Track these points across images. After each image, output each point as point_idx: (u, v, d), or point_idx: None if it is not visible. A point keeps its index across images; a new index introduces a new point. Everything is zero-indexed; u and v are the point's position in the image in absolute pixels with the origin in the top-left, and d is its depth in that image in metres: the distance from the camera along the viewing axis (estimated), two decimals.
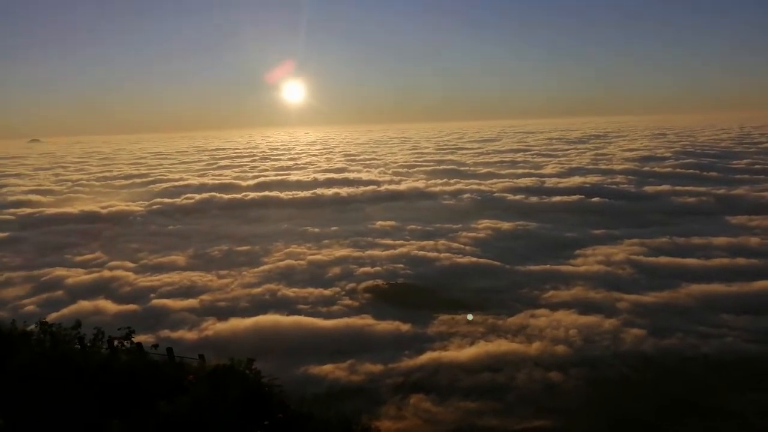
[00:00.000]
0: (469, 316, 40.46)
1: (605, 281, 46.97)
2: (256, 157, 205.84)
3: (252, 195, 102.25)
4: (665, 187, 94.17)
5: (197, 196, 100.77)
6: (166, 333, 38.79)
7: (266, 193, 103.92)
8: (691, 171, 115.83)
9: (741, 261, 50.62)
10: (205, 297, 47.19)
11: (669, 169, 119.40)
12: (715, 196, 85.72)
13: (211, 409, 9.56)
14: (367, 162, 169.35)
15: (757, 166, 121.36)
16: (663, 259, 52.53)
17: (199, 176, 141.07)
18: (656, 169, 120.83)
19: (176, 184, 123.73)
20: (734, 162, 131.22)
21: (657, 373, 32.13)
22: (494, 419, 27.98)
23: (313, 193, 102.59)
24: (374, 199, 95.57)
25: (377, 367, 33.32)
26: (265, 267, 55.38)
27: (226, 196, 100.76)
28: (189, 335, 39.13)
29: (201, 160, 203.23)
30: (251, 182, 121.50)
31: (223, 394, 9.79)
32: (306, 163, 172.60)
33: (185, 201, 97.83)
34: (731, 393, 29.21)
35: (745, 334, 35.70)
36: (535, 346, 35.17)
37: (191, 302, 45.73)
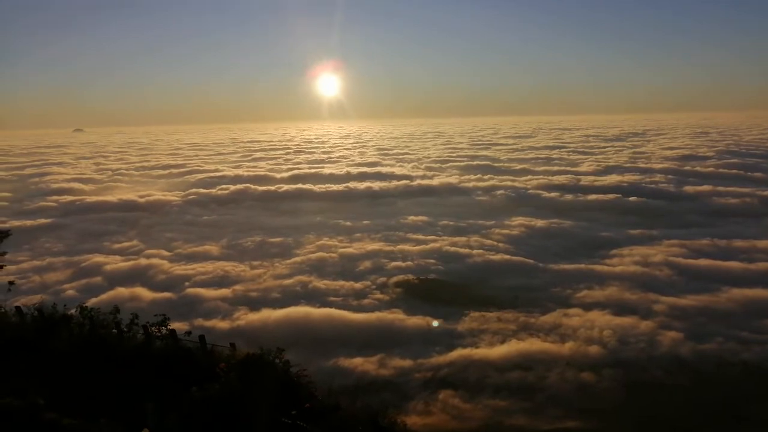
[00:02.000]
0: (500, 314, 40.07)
1: (642, 282, 45.95)
2: (291, 150, 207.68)
3: (285, 187, 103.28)
4: (707, 188, 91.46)
5: (232, 187, 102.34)
6: (199, 321, 39.53)
7: (299, 185, 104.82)
8: (735, 171, 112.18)
9: None
10: (237, 287, 47.88)
11: (711, 169, 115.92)
12: (759, 197, 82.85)
13: (241, 397, 9.65)
14: (400, 156, 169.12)
15: None
16: (703, 262, 51.06)
17: (234, 168, 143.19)
18: (698, 168, 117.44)
19: (212, 175, 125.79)
20: None
21: (693, 378, 31.29)
22: (523, 418, 27.67)
23: (345, 187, 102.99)
24: (407, 194, 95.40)
25: (406, 362, 33.31)
26: (297, 259, 55.89)
27: (260, 188, 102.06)
28: (221, 324, 39.78)
29: (236, 152, 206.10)
30: (285, 174, 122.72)
31: (252, 383, 9.88)
32: (339, 157, 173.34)
33: (220, 192, 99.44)
34: None
35: None
36: (568, 346, 34.64)
37: (224, 292, 46.47)
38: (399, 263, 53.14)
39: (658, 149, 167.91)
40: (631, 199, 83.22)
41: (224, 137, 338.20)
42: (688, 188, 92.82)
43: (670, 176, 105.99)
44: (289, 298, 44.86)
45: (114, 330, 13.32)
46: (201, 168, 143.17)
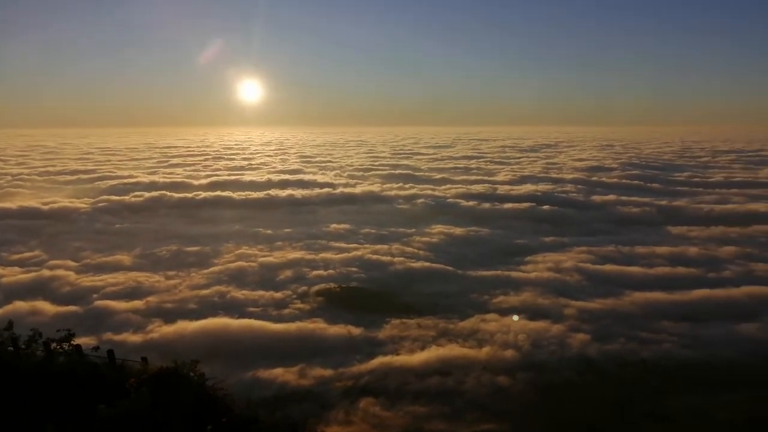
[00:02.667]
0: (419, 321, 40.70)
1: (554, 287, 48.09)
2: (210, 156, 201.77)
3: (204, 194, 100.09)
4: (612, 197, 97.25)
5: (146, 194, 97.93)
6: (108, 336, 37.46)
7: (219, 192, 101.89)
8: (636, 182, 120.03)
9: (681, 270, 52.75)
10: (151, 298, 45.86)
11: (615, 180, 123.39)
12: (657, 207, 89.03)
13: (152, 413, 9.27)
14: (323, 164, 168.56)
15: (696, 179, 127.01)
16: (608, 267, 54.18)
17: (149, 174, 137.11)
18: (604, 179, 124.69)
19: (125, 181, 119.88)
20: (675, 174, 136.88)
21: (599, 377, 33.10)
22: (442, 423, 28.20)
23: (266, 194, 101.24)
24: (329, 202, 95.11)
25: (327, 372, 33.13)
26: (215, 268, 54.32)
27: (176, 195, 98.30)
28: (133, 338, 37.92)
29: (152, 158, 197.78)
30: (203, 181, 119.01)
31: (164, 398, 9.52)
32: (260, 164, 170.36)
33: (134, 199, 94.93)
34: (667, 397, 30.32)
35: (683, 341, 37.18)
36: (485, 351, 35.67)
37: (136, 304, 44.36)
38: (320, 272, 52.84)
39: (568, 160, 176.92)
40: (544, 207, 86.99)
41: (138, 142, 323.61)
42: (596, 198, 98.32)
43: (579, 186, 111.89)
44: (206, 309, 43.46)
45: (10, 347, 12.42)
46: (113, 174, 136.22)
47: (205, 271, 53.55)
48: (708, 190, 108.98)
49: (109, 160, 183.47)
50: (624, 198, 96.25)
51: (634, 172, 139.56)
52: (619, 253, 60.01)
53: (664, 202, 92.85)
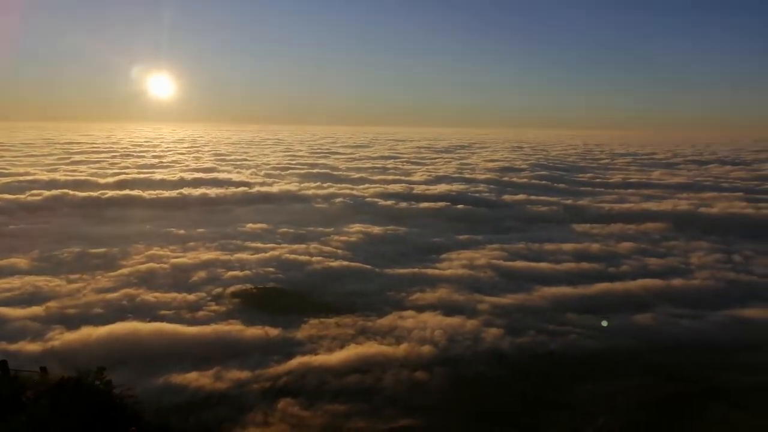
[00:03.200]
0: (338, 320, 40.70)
1: (468, 284, 49.53)
2: (117, 153, 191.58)
3: (110, 193, 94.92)
4: (522, 197, 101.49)
5: (46, 193, 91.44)
6: (2, 345, 34.70)
7: (127, 191, 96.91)
8: (544, 182, 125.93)
9: (585, 265, 55.92)
10: (52, 304, 42.94)
11: (525, 180, 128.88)
12: (563, 206, 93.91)
13: (52, 427, 8.70)
14: (238, 163, 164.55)
15: (597, 180, 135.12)
16: (519, 264, 56.52)
17: (48, 171, 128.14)
18: (514, 179, 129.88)
19: (20, 178, 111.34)
20: (579, 175, 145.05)
21: (511, 369, 34.45)
22: (361, 421, 28.35)
23: (179, 193, 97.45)
24: (245, 201, 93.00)
25: (244, 374, 32.40)
26: (124, 270, 51.67)
27: (80, 194, 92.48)
28: (31, 347, 35.32)
29: (52, 154, 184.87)
30: (110, 180, 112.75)
31: (65, 410, 8.95)
32: (172, 162, 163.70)
33: (31, 198, 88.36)
34: (573, 385, 32.07)
35: (587, 332, 39.44)
36: (403, 347, 36.18)
37: (35, 310, 41.35)
38: (236, 272, 51.57)
39: (481, 161, 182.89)
40: (459, 206, 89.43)
41: (35, 137, 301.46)
42: (507, 197, 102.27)
43: (491, 186, 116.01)
44: (113, 313, 41.25)
45: None
46: (7, 171, 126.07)
47: (113, 273, 50.82)
48: (608, 190, 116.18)
49: (1, 156, 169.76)
50: (533, 197, 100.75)
51: (542, 173, 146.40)
52: (529, 249, 62.75)
53: (569, 202, 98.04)
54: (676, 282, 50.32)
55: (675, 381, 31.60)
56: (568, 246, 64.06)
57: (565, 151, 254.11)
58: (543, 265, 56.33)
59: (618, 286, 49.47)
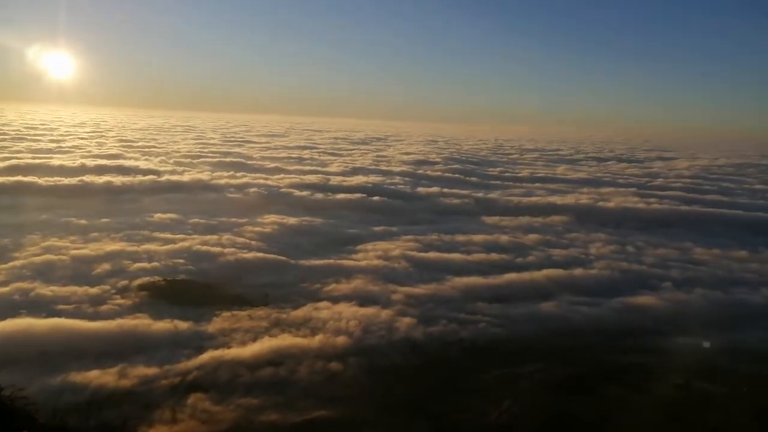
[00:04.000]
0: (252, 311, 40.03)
1: (383, 275, 50.17)
2: (8, 137, 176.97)
3: (1, 179, 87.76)
4: (435, 189, 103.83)
5: None
6: None
7: (20, 177, 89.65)
8: (457, 176, 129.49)
9: (494, 256, 58.19)
10: None
11: (439, 173, 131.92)
12: (474, 198, 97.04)
13: None
14: (146, 150, 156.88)
15: (506, 174, 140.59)
16: (432, 254, 57.91)
17: None
18: (428, 172, 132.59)
19: None
20: (490, 169, 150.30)
21: (424, 358, 35.36)
22: (275, 414, 28.12)
23: (80, 181, 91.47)
24: (153, 190, 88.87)
25: (152, 370, 31.19)
26: (16, 263, 48.04)
27: None
28: None
29: None
30: (0, 165, 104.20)
31: None
32: (73, 147, 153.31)
33: None
34: (481, 372, 33.41)
35: (495, 320, 41.13)
36: (318, 339, 36.16)
37: None
38: (144, 264, 49.38)
39: (397, 154, 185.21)
40: (375, 198, 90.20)
41: None
42: (421, 189, 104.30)
43: (406, 178, 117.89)
44: (4, 309, 38.25)
45: None
46: None
47: (3, 266, 47.11)
48: (517, 184, 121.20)
49: None
50: (446, 190, 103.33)
51: (455, 166, 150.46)
52: (442, 241, 64.46)
53: (480, 195, 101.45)
54: (577, 272, 53.49)
55: (574, 364, 33.67)
56: (478, 237, 66.35)
57: (476, 146, 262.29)
58: (455, 255, 58.06)
59: (525, 276, 51.89)
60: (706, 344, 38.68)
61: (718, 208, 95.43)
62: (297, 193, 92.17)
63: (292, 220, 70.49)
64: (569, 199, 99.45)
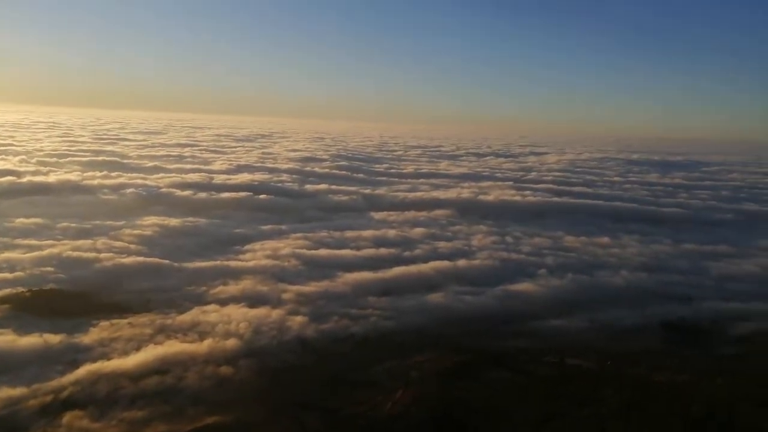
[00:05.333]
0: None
1: (272, 274, 49.50)
2: None
3: None
4: (323, 186, 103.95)
5: None
6: None
7: None
8: (344, 173, 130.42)
9: (383, 251, 59.39)
10: None
11: (327, 170, 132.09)
12: (362, 195, 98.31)
13: None
14: (3, 148, 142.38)
15: (392, 170, 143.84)
16: (322, 252, 58.00)
17: None
18: (316, 169, 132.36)
19: None
20: (376, 166, 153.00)
21: (316, 355, 35.43)
22: (162, 424, 26.87)
23: None
24: (13, 193, 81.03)
25: (18, 390, 28.54)
26: None
27: None
28: None
29: None
30: None
31: None
32: None
33: None
34: (373, 365, 34.04)
35: (386, 313, 42.09)
36: (207, 343, 34.97)
37: None
38: (5, 275, 45.03)
39: (283, 151, 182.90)
40: (261, 196, 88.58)
41: None
42: (309, 187, 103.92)
43: (294, 176, 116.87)
44: None
45: None
46: None
47: None
48: (402, 180, 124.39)
49: None
50: (334, 187, 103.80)
51: (342, 163, 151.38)
52: (332, 237, 64.72)
53: (368, 191, 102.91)
54: (461, 263, 55.99)
55: (462, 352, 35.23)
56: (367, 233, 67.36)
57: (363, 143, 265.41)
58: (345, 252, 58.54)
59: (413, 269, 53.47)
60: (577, 324, 42.29)
61: (584, 198, 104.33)
62: (178, 192, 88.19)
63: (174, 222, 67.37)
64: (452, 194, 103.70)
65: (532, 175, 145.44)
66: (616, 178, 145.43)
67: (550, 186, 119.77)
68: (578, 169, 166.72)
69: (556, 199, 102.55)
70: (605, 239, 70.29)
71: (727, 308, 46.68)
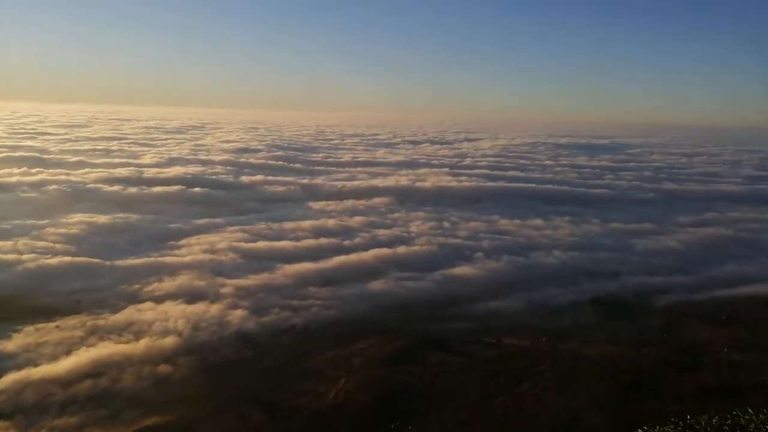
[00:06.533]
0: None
1: (210, 268, 48.50)
2: None
3: None
4: (259, 177, 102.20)
5: None
6: None
7: None
8: (281, 163, 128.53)
9: (323, 241, 59.17)
10: None
11: (262, 161, 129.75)
12: (300, 185, 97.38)
13: None
14: None
15: (330, 159, 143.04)
16: (261, 244, 57.20)
17: None
18: (251, 160, 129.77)
19: None
20: (313, 155, 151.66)
21: (258, 348, 35.10)
22: (98, 429, 26.00)
23: None
24: None
25: None
26: None
27: None
28: None
29: None
30: None
31: None
32: None
33: None
34: (315, 354, 34.06)
35: (327, 303, 42.13)
36: (143, 343, 33.99)
37: None
38: None
39: (216, 142, 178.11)
40: (195, 190, 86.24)
41: None
42: (245, 178, 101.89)
43: (228, 167, 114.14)
44: None
45: None
46: None
47: None
48: (340, 169, 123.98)
49: None
50: (270, 178, 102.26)
51: (278, 153, 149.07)
52: (270, 229, 63.88)
53: (305, 181, 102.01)
54: (401, 249, 56.59)
55: (403, 337, 35.78)
56: (306, 223, 66.89)
57: (298, 132, 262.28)
58: (284, 243, 57.96)
59: (353, 257, 53.61)
60: (513, 304, 43.73)
61: (517, 182, 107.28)
62: (107, 188, 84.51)
63: (103, 219, 64.58)
64: (390, 181, 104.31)
65: (467, 161, 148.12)
66: (547, 162, 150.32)
67: (485, 171, 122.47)
68: (511, 154, 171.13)
69: (490, 183, 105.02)
70: (538, 221, 72.72)
71: (651, 282, 49.47)
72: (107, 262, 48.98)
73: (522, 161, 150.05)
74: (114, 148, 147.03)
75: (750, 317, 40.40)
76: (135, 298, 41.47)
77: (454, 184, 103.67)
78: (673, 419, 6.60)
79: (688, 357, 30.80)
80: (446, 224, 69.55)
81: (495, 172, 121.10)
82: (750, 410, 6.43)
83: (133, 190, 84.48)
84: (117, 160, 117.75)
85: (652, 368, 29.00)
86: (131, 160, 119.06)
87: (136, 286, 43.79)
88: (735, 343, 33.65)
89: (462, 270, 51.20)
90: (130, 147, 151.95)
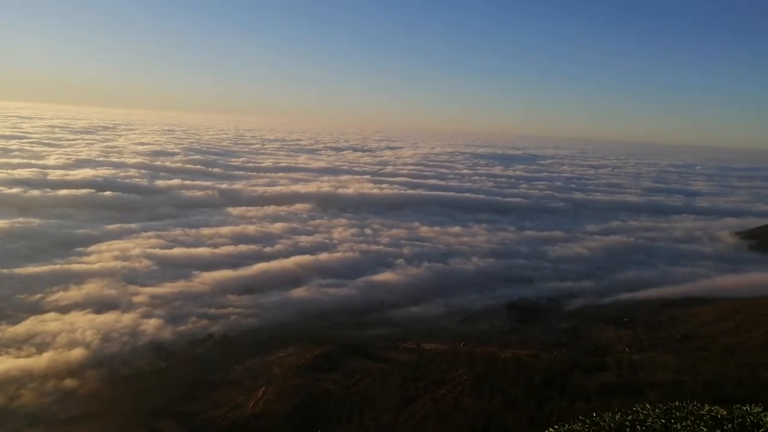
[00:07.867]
0: None
1: (122, 276, 46.37)
2: None
3: None
4: (176, 182, 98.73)
5: None
6: None
7: None
8: (199, 167, 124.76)
9: (243, 247, 57.97)
10: None
11: (179, 165, 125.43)
12: (219, 190, 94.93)
13: None
14: None
15: (250, 164, 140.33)
16: (177, 250, 55.23)
17: None
18: (167, 163, 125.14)
19: None
20: (233, 160, 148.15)
21: (173, 358, 33.87)
22: None
23: None
24: None
25: None
26: None
27: None
28: None
29: None
30: None
31: None
32: None
33: None
34: (233, 363, 33.30)
35: (247, 311, 41.30)
36: (46, 356, 31.92)
37: None
38: None
39: (129, 144, 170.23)
40: (106, 193, 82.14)
41: None
42: (160, 182, 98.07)
43: (143, 171, 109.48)
44: None
45: None
46: None
47: None
48: (260, 174, 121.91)
49: None
50: (188, 182, 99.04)
51: (196, 157, 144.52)
52: (187, 235, 61.82)
53: (224, 186, 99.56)
54: (323, 256, 56.43)
55: (324, 344, 35.64)
56: (225, 229, 65.29)
57: (217, 136, 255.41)
58: (202, 250, 56.31)
59: (274, 264, 52.87)
60: (433, 310, 44.69)
61: (437, 191, 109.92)
62: (6, 190, 78.70)
63: (1, 223, 60.03)
64: (312, 187, 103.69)
65: (389, 168, 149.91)
66: (465, 171, 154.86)
67: (406, 179, 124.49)
68: (431, 163, 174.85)
69: (411, 191, 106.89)
70: (457, 228, 74.75)
71: (562, 287, 52.14)
72: (4, 270, 45.65)
73: (442, 170, 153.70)
74: (13, 147, 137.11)
75: (648, 319, 43.42)
76: (37, 309, 38.90)
77: (376, 191, 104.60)
78: (580, 417, 7.08)
79: (594, 358, 32.62)
80: (368, 231, 70.06)
81: (416, 180, 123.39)
82: (647, 405, 7.04)
83: (35, 192, 79.18)
84: (17, 161, 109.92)
85: (562, 369, 30.47)
86: (34, 161, 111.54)
87: (38, 296, 41.08)
88: (635, 344, 36.12)
89: (384, 276, 51.75)
90: (32, 147, 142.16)
